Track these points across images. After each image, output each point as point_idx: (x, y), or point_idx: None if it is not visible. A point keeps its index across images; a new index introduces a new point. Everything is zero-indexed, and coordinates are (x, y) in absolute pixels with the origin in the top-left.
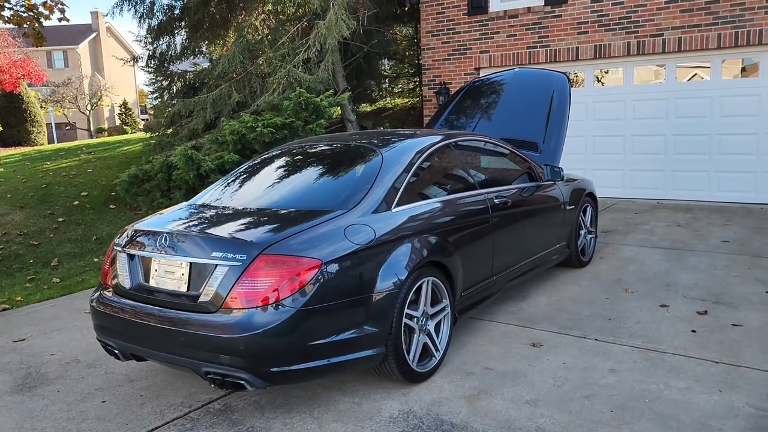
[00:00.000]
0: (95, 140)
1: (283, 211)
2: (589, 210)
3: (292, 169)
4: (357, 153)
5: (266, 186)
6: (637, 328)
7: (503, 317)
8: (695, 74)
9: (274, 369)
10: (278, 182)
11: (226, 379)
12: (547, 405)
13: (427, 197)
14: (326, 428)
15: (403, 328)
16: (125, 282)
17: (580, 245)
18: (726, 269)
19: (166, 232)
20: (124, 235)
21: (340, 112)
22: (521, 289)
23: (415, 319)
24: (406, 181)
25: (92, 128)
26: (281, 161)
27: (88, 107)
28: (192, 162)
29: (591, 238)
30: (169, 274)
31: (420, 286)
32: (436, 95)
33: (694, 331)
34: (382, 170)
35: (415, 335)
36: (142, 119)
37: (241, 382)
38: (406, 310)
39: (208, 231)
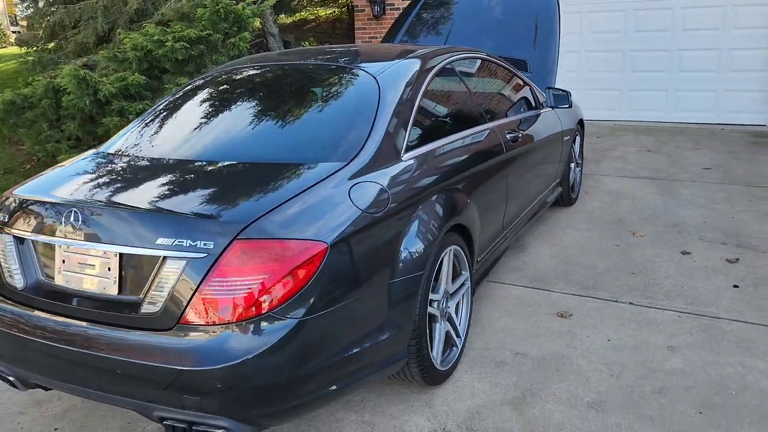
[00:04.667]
0: None
1: (252, 167)
2: (578, 139)
3: (248, 100)
4: (340, 77)
5: (217, 126)
6: (670, 285)
7: (508, 276)
8: None
9: (268, 410)
10: (234, 121)
11: (194, 428)
12: (617, 409)
13: (435, 136)
14: None
15: (427, 321)
16: (14, 279)
17: (570, 181)
18: (726, 203)
19: (75, 205)
20: (3, 204)
21: (259, 24)
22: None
23: (436, 303)
24: (413, 115)
25: None
26: (229, 88)
27: None
28: (86, 85)
29: (578, 171)
30: (87, 268)
31: (441, 260)
32: (371, 4)
33: (736, 286)
34: (382, 102)
35: (437, 325)
36: (13, 32)
37: (219, 431)
38: (429, 296)
39: (143, 201)
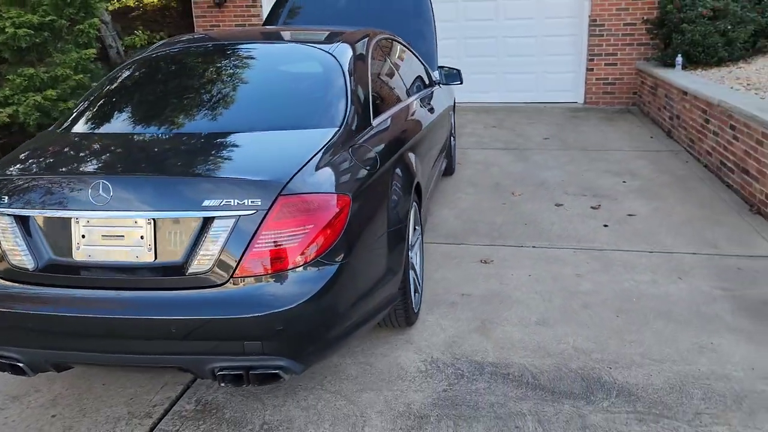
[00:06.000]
0: None
1: (263, 135)
2: (453, 114)
3: (229, 75)
4: (303, 54)
5: (206, 100)
6: (558, 230)
7: (427, 236)
8: None
9: (315, 347)
10: (224, 94)
11: (251, 372)
12: (560, 323)
13: (386, 106)
14: (358, 402)
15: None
16: (23, 260)
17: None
18: (572, 164)
19: (101, 177)
20: None
21: None
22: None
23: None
24: (370, 86)
25: None
26: (190, 62)
27: None
28: None
29: (454, 143)
30: (114, 239)
31: (409, 215)
32: None
33: (606, 225)
34: (346, 74)
35: (411, 271)
36: None
37: (276, 371)
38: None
39: (171, 169)
